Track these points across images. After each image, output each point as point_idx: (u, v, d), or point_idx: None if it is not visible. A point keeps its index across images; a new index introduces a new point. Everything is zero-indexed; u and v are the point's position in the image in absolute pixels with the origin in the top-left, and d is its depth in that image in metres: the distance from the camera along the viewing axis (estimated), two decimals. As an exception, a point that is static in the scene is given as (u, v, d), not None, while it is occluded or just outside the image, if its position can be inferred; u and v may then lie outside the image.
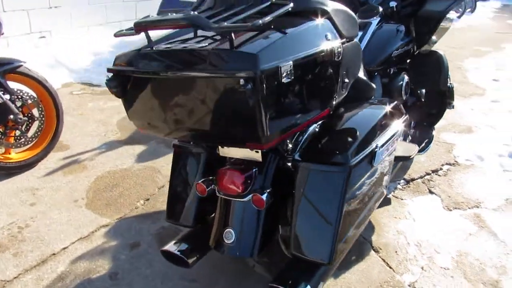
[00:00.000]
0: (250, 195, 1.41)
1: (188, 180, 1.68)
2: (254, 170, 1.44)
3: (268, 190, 1.41)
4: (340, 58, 1.38)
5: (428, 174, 2.82)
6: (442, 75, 2.39)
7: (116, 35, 1.35)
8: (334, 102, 1.46)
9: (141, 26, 1.21)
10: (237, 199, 1.44)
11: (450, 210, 2.45)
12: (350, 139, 1.43)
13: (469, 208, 2.48)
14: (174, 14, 1.21)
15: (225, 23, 1.13)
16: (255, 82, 1.06)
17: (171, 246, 1.61)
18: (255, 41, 1.18)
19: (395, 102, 1.76)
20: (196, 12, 1.45)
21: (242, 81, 1.05)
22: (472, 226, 2.31)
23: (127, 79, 1.34)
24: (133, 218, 2.14)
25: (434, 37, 2.41)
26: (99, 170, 2.56)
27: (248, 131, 1.19)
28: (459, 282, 1.89)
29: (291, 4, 1.25)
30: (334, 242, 1.31)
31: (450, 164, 2.97)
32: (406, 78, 2.31)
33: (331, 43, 1.35)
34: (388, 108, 1.67)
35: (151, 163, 2.65)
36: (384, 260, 1.99)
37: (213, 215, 1.66)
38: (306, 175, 1.38)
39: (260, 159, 1.43)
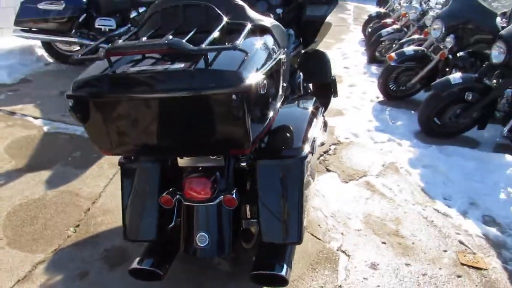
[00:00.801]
0: (219, 198, 1.55)
1: (143, 195, 1.71)
2: (217, 174, 1.58)
3: (234, 190, 1.56)
4: (284, 66, 1.61)
5: (321, 155, 3.27)
6: (327, 69, 2.81)
7: (76, 60, 1.34)
8: (280, 104, 1.68)
9: (116, 52, 1.25)
10: (206, 204, 1.55)
11: (347, 182, 2.93)
12: (295, 134, 1.66)
13: (359, 178, 2.99)
14: (145, 39, 1.28)
15: (203, 46, 1.26)
16: (242, 96, 1.21)
17: (138, 263, 1.65)
18: (227, 59, 1.32)
19: (314, 98, 2.06)
20: (142, 36, 1.52)
21: (234, 96, 1.19)
22: (366, 191, 2.82)
23: (94, 104, 1.34)
24: (70, 248, 2.04)
25: (317, 38, 2.82)
26: (7, 205, 2.32)
27: (235, 139, 1.34)
28: (371, 238, 2.33)
29: (250, 25, 1.43)
30: (300, 223, 1.55)
31: (335, 144, 3.49)
32: (301, 75, 2.67)
33: (279, 55, 1.57)
34: (312, 104, 1.96)
35: (66, 188, 2.51)
36: (312, 234, 2.31)
37: (171, 224, 1.73)
38: (267, 171, 1.57)
39: (223, 164, 1.57)
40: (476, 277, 2.11)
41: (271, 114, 1.53)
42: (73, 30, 4.33)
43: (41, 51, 4.95)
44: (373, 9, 10.86)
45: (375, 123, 4.00)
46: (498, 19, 3.82)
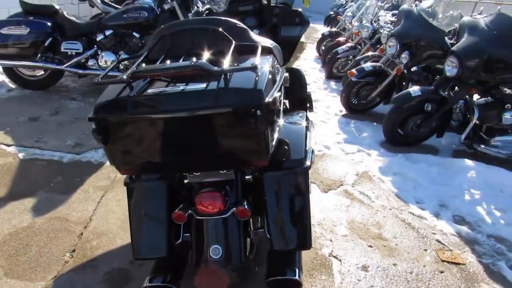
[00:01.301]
0: (230, 210, 1.62)
1: (152, 213, 1.75)
2: (226, 188, 1.66)
3: (245, 202, 1.65)
4: (287, 83, 1.74)
5: (299, 168, 3.41)
6: (303, 85, 2.98)
7: (99, 83, 1.39)
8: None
9: (142, 75, 1.32)
10: (219, 217, 1.63)
11: (326, 192, 3.09)
12: (297, 146, 1.78)
13: (337, 187, 3.16)
14: (169, 62, 1.36)
15: (225, 67, 1.36)
16: (265, 110, 1.32)
17: (150, 282, 1.67)
18: (244, 78, 1.42)
19: (304, 112, 2.20)
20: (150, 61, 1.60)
21: (258, 112, 1.30)
22: (346, 200, 2.99)
23: (118, 125, 1.39)
24: (70, 273, 2.02)
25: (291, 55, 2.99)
26: (-5, 235, 2.25)
27: (256, 152, 1.44)
28: (358, 243, 2.48)
29: (260, 46, 1.55)
30: (309, 229, 1.66)
31: (310, 157, 3.65)
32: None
33: (283, 73, 1.70)
34: (304, 117, 2.10)
35: (54, 214, 2.46)
36: (304, 243, 2.42)
37: (179, 241, 1.77)
38: (274, 182, 1.67)
39: (233, 177, 1.66)
40: (456, 272, 2.31)
41: (279, 127, 1.64)
42: (39, 55, 4.24)
43: (1, 77, 4.79)
44: (321, 28, 11.40)
45: (343, 135, 4.23)
46: (448, 37, 4.22)
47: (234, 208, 1.63)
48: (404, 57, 4.38)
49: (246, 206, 1.62)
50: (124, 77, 1.37)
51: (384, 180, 3.32)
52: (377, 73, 4.66)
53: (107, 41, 4.43)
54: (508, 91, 3.60)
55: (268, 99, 1.36)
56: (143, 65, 1.45)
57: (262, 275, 1.91)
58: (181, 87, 1.40)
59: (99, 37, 4.45)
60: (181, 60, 1.61)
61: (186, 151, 1.47)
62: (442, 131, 3.97)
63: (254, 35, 1.79)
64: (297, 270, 1.64)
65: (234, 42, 1.61)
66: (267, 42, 1.82)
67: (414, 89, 3.83)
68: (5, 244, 2.18)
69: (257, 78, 1.42)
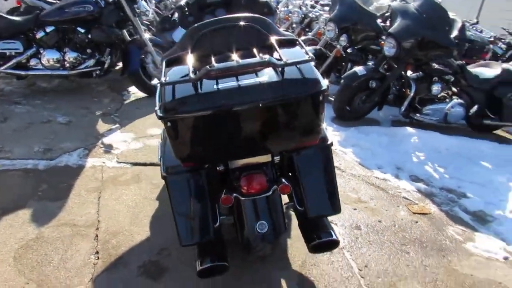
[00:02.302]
0: (272, 188, 1.83)
1: (195, 201, 1.88)
2: (264, 169, 1.87)
3: (284, 179, 1.86)
4: None
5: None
6: None
7: (167, 83, 1.49)
8: None
9: (218, 72, 1.45)
10: (264, 195, 1.83)
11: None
12: (318, 126, 2.02)
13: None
14: (236, 61, 1.50)
15: (287, 60, 1.54)
16: (323, 95, 1.56)
17: (203, 264, 1.83)
18: (301, 69, 1.62)
19: None
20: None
21: (321, 97, 1.53)
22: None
23: (187, 121, 1.52)
24: (104, 273, 2.07)
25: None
26: (8, 250, 2.17)
27: (312, 132, 1.68)
28: (345, 207, 2.83)
29: (300, 40, 1.76)
30: (338, 196, 1.95)
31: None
32: None
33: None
34: None
35: (57, 222, 2.43)
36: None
37: (217, 223, 1.93)
38: (305, 158, 1.91)
39: (270, 159, 1.87)
40: (427, 220, 2.78)
41: None
42: (-27, 57, 3.89)
43: None
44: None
45: (297, 116, 4.57)
46: (378, 20, 4.73)
47: (275, 186, 1.84)
48: (343, 39, 4.82)
49: (287, 183, 1.84)
50: (194, 76, 1.49)
51: (346, 152, 3.73)
52: (318, 55, 5.05)
53: (49, 39, 4.20)
54: (435, 66, 4.21)
55: (325, 84, 1.60)
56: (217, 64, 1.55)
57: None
58: (245, 81, 1.56)
59: (39, 35, 4.19)
60: (229, 56, 1.75)
61: (250, 140, 1.64)
62: (382, 104, 4.50)
63: (278, 29, 1.98)
64: (332, 231, 1.92)
65: (273, 37, 1.79)
66: (288, 33, 2.02)
67: (360, 69, 4.29)
68: (22, 257, 2.13)
69: (313, 68, 1.63)
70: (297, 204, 1.95)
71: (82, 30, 4.25)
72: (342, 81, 4.35)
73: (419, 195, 3.12)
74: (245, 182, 1.80)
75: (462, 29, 4.58)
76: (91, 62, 4.32)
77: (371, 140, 3.96)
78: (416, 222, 2.76)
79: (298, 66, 1.62)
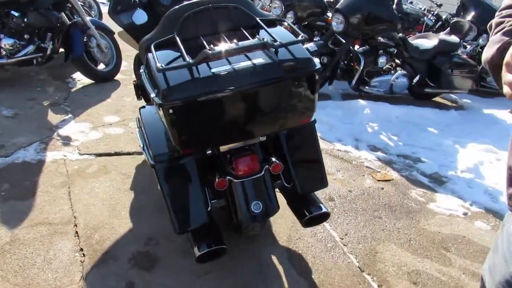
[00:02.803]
0: (264, 168, 1.87)
1: (188, 187, 1.87)
2: (253, 149, 1.89)
3: (274, 158, 1.90)
4: None
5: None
6: None
7: (165, 69, 1.45)
8: None
9: (218, 55, 1.43)
10: (256, 176, 1.86)
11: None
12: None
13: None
14: (235, 43, 1.49)
15: (280, 42, 1.56)
16: (317, 73, 1.61)
17: (201, 250, 1.83)
18: (293, 49, 1.64)
19: None
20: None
21: (317, 76, 1.58)
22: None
23: (189, 107, 1.50)
24: (94, 270, 2.00)
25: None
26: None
27: (307, 110, 1.72)
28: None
29: (286, 21, 1.78)
30: (324, 171, 2.03)
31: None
32: None
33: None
34: None
35: (30, 221, 2.28)
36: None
37: (209, 208, 1.94)
38: (290, 137, 1.97)
39: (258, 140, 1.89)
40: (391, 186, 3.00)
41: None
42: None
43: None
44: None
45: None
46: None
47: (267, 166, 1.88)
48: (290, 16, 4.88)
49: (278, 161, 1.89)
50: (192, 61, 1.46)
51: (306, 127, 3.85)
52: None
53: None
54: (381, 39, 4.43)
55: (319, 64, 1.64)
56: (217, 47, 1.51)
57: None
58: (242, 63, 1.56)
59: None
60: (218, 37, 1.73)
61: (248, 121, 1.65)
62: (332, 79, 4.67)
63: (259, 9, 1.97)
64: (321, 205, 2.01)
65: (257, 18, 1.78)
66: (269, 14, 2.02)
67: (311, 45, 4.39)
68: (1, 263, 1.99)
69: (305, 48, 1.66)
70: (285, 182, 2.01)
71: (17, 14, 3.89)
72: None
73: (379, 163, 3.33)
74: (238, 164, 1.82)
75: (399, 2, 4.85)
76: (31, 48, 3.98)
77: (327, 114, 4.11)
78: (382, 188, 2.96)
79: (292, 47, 1.65)
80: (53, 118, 3.55)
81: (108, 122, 3.56)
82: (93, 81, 4.40)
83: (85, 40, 4.19)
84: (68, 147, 3.09)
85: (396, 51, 4.56)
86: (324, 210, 2.00)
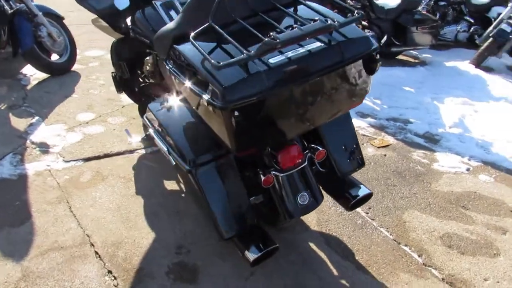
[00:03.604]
0: (306, 158, 1.77)
1: (229, 188, 1.73)
2: (294, 139, 1.78)
3: (316, 145, 1.81)
4: None
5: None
6: None
7: (223, 66, 1.26)
8: None
9: (287, 43, 1.27)
10: (301, 166, 1.76)
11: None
12: None
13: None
14: (298, 28, 1.32)
15: (336, 21, 1.42)
16: (377, 53, 1.52)
17: (255, 253, 1.72)
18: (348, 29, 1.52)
19: None
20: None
21: (378, 56, 1.48)
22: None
23: (254, 105, 1.34)
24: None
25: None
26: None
27: (361, 92, 1.63)
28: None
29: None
30: (360, 150, 1.98)
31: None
32: None
33: None
34: None
35: (39, 249, 2.01)
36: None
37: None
38: (328, 125, 1.87)
39: None
40: (392, 151, 3.03)
41: None
42: None
43: None
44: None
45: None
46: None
47: (309, 154, 1.78)
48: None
49: (321, 148, 1.79)
50: (252, 53, 1.28)
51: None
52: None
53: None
54: (350, 2, 4.35)
55: (376, 43, 1.53)
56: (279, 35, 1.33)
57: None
58: (300, 50, 1.41)
59: None
60: (260, 20, 1.55)
61: (307, 112, 1.52)
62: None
63: None
64: (362, 186, 1.97)
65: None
66: None
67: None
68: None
69: (357, 27, 1.54)
70: (320, 167, 1.93)
71: None
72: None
73: (373, 130, 3.35)
74: (283, 157, 1.70)
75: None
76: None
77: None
78: (385, 155, 2.98)
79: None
80: (18, 123, 3.14)
81: (83, 120, 3.21)
82: (49, 75, 3.93)
83: (33, 29, 3.69)
84: (49, 155, 2.76)
85: (363, 12, 4.52)
86: (368, 190, 1.95)
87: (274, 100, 1.39)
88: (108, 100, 3.56)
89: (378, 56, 1.52)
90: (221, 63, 1.28)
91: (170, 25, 1.63)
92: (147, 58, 2.88)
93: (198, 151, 1.72)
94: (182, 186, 2.52)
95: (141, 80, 3.02)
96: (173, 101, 2.04)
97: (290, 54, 1.41)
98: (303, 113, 1.52)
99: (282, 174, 1.73)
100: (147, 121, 2.06)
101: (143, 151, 2.87)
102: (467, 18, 5.64)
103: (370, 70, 1.54)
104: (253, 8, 1.58)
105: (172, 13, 2.53)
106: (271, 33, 1.31)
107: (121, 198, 2.39)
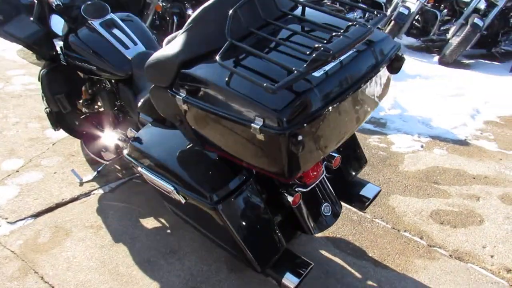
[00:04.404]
0: (324, 165, 1.71)
1: (256, 217, 1.59)
2: None
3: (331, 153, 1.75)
4: None
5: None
6: None
7: (279, 87, 1.11)
8: None
9: (340, 54, 1.17)
10: (320, 178, 1.68)
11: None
12: None
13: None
14: (344, 36, 1.22)
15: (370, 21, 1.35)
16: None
17: (291, 280, 1.60)
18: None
19: None
20: None
21: (403, 55, 1.47)
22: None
23: (313, 126, 1.23)
24: None
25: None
26: None
27: (386, 93, 1.62)
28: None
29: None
30: (361, 148, 1.99)
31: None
32: None
33: None
34: None
35: None
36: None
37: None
38: None
39: None
40: (351, 141, 3.10)
41: None
42: None
43: None
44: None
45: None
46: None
47: (325, 162, 1.72)
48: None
49: (336, 154, 1.74)
50: (304, 69, 1.15)
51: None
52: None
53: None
54: None
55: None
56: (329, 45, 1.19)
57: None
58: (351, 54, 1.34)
59: None
60: (275, 28, 1.43)
61: (350, 121, 1.44)
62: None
63: None
64: (370, 184, 1.97)
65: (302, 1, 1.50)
66: None
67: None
68: None
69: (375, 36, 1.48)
70: (326, 172, 1.88)
71: None
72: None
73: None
74: (307, 172, 1.61)
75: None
76: None
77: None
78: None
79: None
80: None
81: (11, 169, 2.70)
82: None
83: None
84: (-15, 220, 2.26)
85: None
86: (377, 187, 1.96)
87: (330, 115, 1.28)
88: (31, 140, 3.05)
89: (403, 55, 1.51)
90: (276, 85, 1.12)
91: (169, 49, 1.40)
92: (86, 84, 2.54)
93: (216, 183, 1.54)
94: (163, 220, 2.27)
95: (80, 111, 2.66)
96: (159, 131, 1.81)
97: (331, 64, 1.31)
98: (347, 122, 1.45)
99: (306, 190, 1.64)
100: (130, 159, 1.79)
101: (100, 191, 2.51)
102: (361, 5, 6.05)
103: (396, 69, 1.52)
104: (264, 17, 1.44)
105: (116, 31, 2.26)
106: (316, 45, 1.19)
107: (100, 252, 2.06)
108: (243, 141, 1.32)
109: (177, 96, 1.38)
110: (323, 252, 2.08)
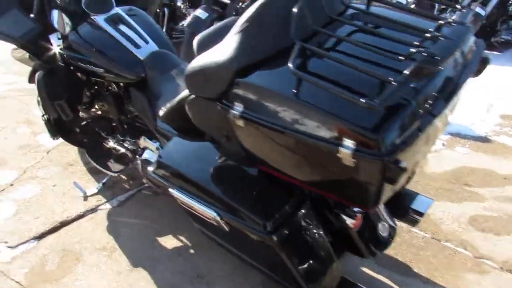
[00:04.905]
0: None
1: (313, 246, 1.41)
2: None
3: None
4: None
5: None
6: None
7: (381, 104, 0.91)
8: None
9: (440, 63, 0.97)
10: None
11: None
12: None
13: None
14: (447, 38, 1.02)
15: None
16: None
17: None
18: None
19: None
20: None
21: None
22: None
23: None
24: None
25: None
26: None
27: None
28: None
29: None
30: None
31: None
32: None
33: None
34: None
35: None
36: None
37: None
38: None
39: None
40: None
41: None
42: None
43: None
44: None
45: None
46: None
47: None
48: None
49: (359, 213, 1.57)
50: (401, 78, 0.94)
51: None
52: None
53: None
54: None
55: None
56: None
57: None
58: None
59: None
60: (337, 25, 1.22)
61: (437, 135, 1.29)
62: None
63: None
64: (420, 195, 1.81)
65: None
66: None
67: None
68: None
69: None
70: None
71: None
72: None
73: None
74: None
75: None
76: None
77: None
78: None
79: None
80: None
81: (4, 183, 2.41)
82: None
83: None
84: (-18, 245, 1.99)
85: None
86: (430, 200, 1.80)
87: (425, 133, 1.08)
88: (22, 147, 2.76)
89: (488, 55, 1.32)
90: (378, 101, 0.91)
91: (219, 54, 1.17)
92: (89, 88, 2.28)
93: (270, 208, 1.34)
94: (183, 238, 2.05)
95: (81, 117, 2.39)
96: (192, 144, 1.58)
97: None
98: (432, 140, 1.26)
99: (366, 211, 1.46)
100: (159, 178, 1.56)
101: (107, 206, 2.27)
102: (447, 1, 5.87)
103: (479, 72, 1.33)
104: (329, 13, 1.22)
105: (124, 28, 2.01)
106: (413, 50, 0.99)
107: (118, 278, 1.83)
108: (318, 164, 1.11)
109: (232, 111, 1.15)
110: (365, 270, 1.91)
